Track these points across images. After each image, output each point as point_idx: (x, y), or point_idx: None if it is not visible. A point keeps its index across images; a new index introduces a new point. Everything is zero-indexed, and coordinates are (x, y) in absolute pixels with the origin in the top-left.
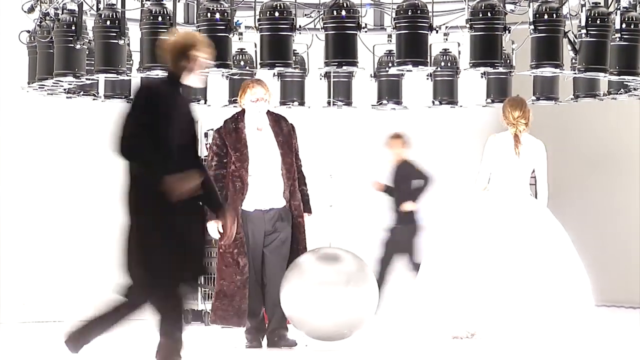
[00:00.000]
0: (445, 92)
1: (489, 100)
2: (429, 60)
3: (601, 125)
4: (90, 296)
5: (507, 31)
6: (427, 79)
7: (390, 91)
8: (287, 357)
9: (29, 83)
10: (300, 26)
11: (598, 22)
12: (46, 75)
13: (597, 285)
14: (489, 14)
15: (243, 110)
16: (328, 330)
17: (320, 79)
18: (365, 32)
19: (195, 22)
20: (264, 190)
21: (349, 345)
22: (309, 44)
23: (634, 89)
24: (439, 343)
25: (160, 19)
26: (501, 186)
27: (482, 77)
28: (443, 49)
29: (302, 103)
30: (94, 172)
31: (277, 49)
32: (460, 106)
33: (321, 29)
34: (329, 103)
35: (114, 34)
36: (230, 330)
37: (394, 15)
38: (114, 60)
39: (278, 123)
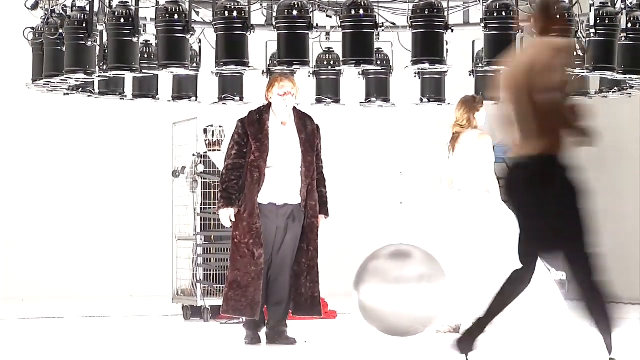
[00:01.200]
0: (433, 90)
1: None
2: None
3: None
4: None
5: (520, 30)
6: (415, 76)
7: (378, 89)
8: (286, 354)
9: (34, 80)
10: (317, 24)
11: (606, 21)
12: (54, 72)
13: None
14: (503, 14)
15: (269, 104)
16: (402, 327)
17: (309, 76)
18: (382, 31)
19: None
20: (280, 184)
21: (348, 344)
22: None
23: (631, 87)
24: (425, 337)
25: (176, 17)
26: (456, 183)
27: (470, 75)
28: None
29: None
30: (93, 169)
31: (294, 47)
32: (448, 104)
33: (338, 27)
34: (317, 100)
35: (128, 32)
36: (229, 326)
37: (409, 15)
38: (128, 58)
39: (303, 121)
